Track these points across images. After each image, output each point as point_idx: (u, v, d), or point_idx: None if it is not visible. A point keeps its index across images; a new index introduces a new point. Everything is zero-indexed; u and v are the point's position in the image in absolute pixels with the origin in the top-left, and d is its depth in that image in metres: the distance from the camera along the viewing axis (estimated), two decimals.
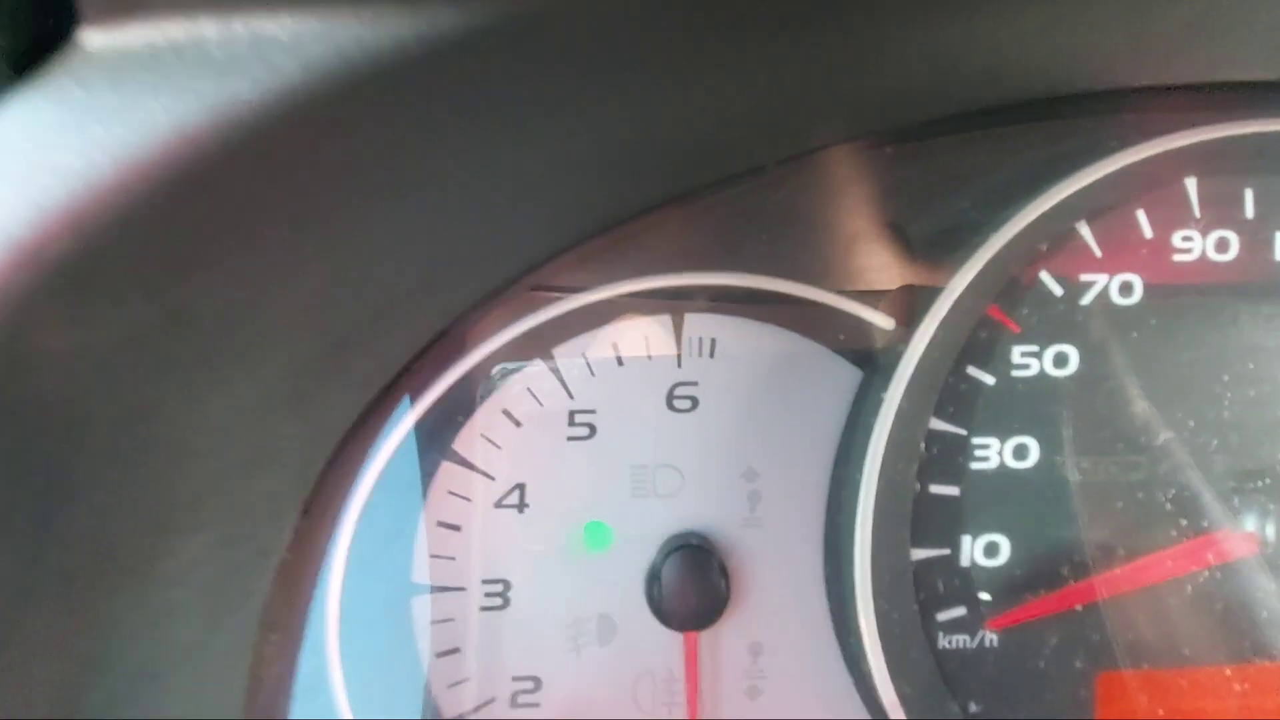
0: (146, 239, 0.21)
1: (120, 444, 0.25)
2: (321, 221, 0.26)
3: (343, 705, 0.42)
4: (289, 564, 0.36)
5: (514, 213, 0.37)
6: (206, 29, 0.20)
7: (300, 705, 0.39)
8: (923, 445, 0.47)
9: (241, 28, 0.21)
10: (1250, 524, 0.47)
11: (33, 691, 0.26)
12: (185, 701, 0.31)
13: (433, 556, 0.46)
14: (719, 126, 0.35)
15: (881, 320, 0.45)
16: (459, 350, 0.43)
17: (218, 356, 0.26)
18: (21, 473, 0.23)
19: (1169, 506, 0.47)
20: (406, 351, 0.36)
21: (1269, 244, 0.49)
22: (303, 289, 0.27)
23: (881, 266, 0.45)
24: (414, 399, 0.42)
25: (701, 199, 0.41)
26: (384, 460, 0.43)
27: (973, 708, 0.46)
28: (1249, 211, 0.49)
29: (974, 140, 0.44)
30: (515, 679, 0.47)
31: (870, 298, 0.45)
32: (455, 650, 0.46)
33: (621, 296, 0.46)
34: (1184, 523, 0.47)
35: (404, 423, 0.42)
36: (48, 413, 0.22)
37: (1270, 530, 0.47)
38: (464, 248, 0.34)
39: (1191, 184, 0.48)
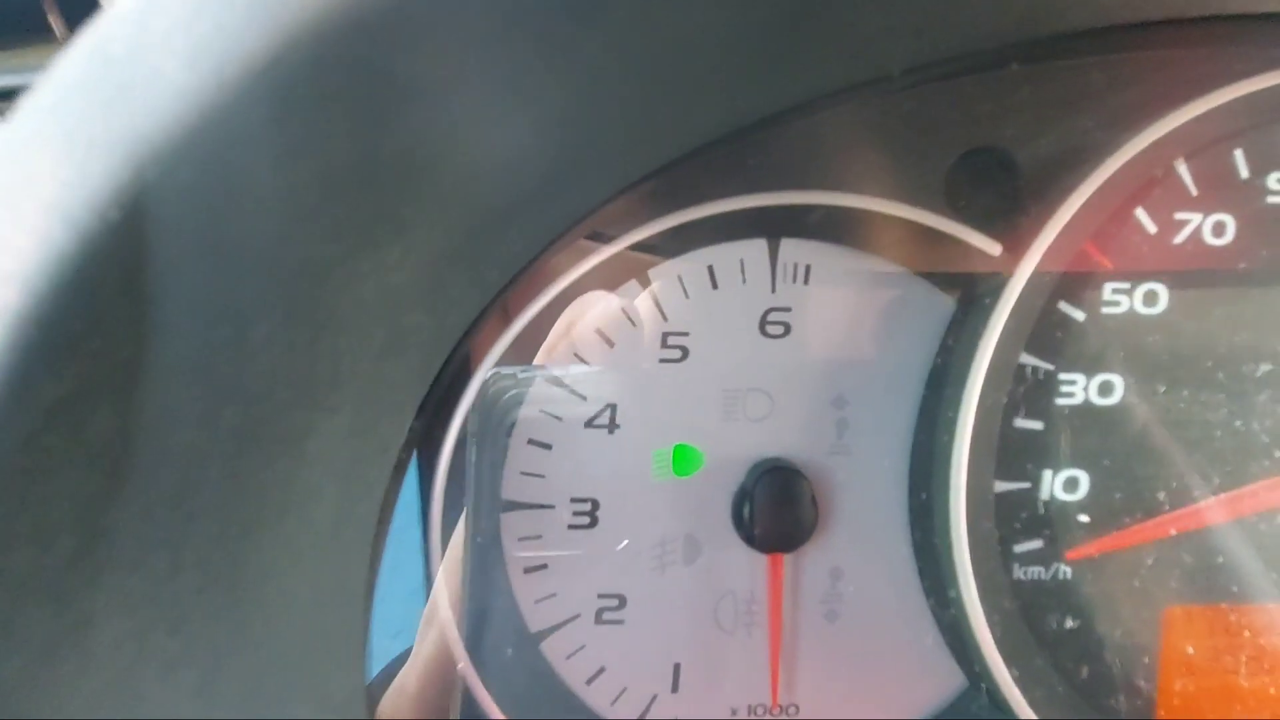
0: (373, 66, 0.21)
1: (295, 301, 0.24)
2: (491, 84, 0.25)
3: (445, 609, 0.43)
4: (403, 463, 0.36)
5: (630, 113, 0.36)
6: None
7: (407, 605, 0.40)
8: (1012, 379, 0.47)
9: None
10: None
11: (191, 553, 0.26)
12: (319, 586, 0.31)
13: (523, 474, 0.46)
14: (855, 24, 0.34)
15: (987, 245, 0.44)
16: (563, 264, 0.42)
17: (385, 220, 0.25)
18: (214, 319, 0.22)
19: (1251, 444, 0.48)
20: (526, 253, 0.36)
21: None
22: (461, 160, 0.27)
23: (989, 190, 0.45)
24: (522, 308, 0.42)
25: (812, 111, 0.41)
26: (486, 371, 0.43)
27: (1051, 628, 0.47)
28: None
29: (1092, 64, 0.43)
30: (601, 596, 0.47)
31: (975, 222, 0.45)
32: (543, 566, 0.47)
33: (717, 216, 0.46)
34: (1264, 457, 0.48)
35: (511, 331, 0.42)
36: (244, 258, 0.22)
37: None
38: (604, 138, 0.33)
39: None
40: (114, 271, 0.20)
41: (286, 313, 0.24)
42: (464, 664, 0.42)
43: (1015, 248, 0.44)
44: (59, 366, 0.22)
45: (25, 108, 0.22)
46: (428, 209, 0.27)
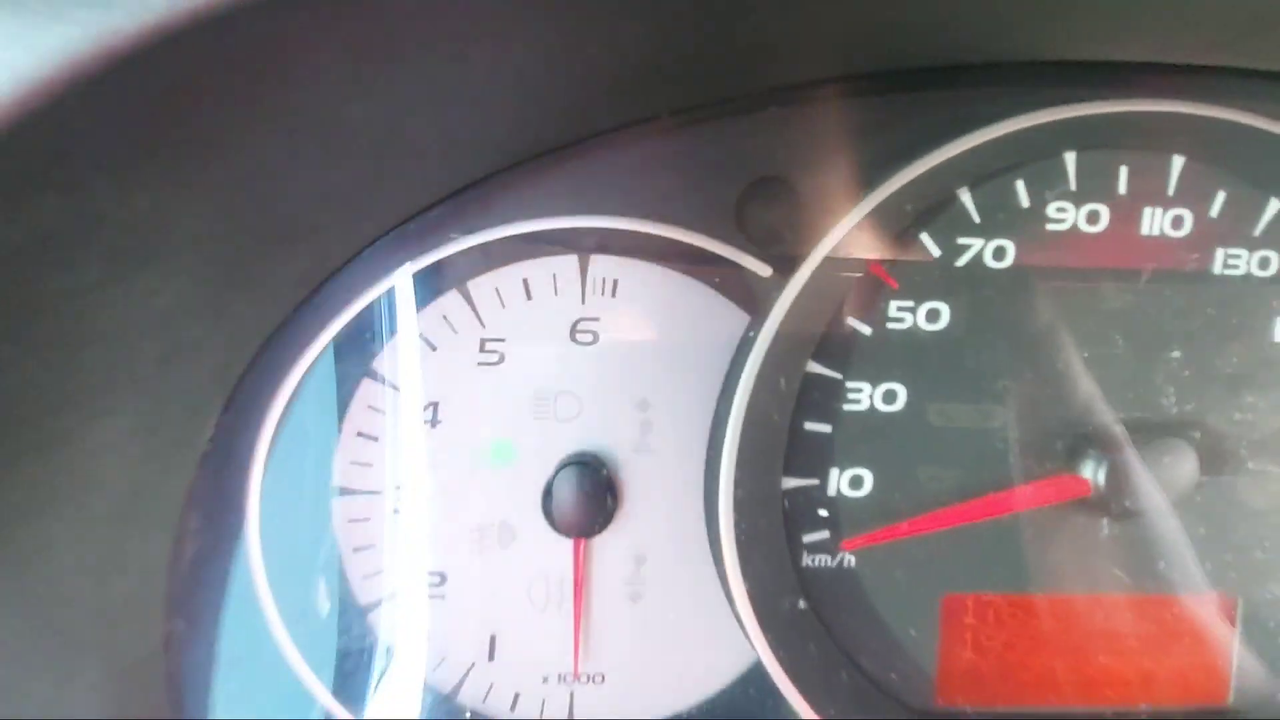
0: (53, 143, 0.25)
1: (29, 329, 0.29)
2: (217, 141, 0.29)
3: (262, 586, 0.48)
4: (210, 454, 0.40)
5: (422, 144, 0.40)
6: None
7: (228, 582, 0.45)
8: (797, 386, 0.52)
9: None
10: (1086, 470, 0.52)
11: None
12: (112, 558, 0.36)
13: (351, 463, 0.51)
14: (621, 71, 0.38)
15: (759, 268, 0.49)
16: (374, 275, 0.47)
17: (125, 258, 0.30)
18: None
19: (1015, 450, 0.53)
20: (318, 272, 0.41)
21: (1137, 218, 0.53)
22: (207, 203, 0.31)
23: (769, 217, 0.49)
24: (331, 317, 0.46)
25: (601, 143, 0.45)
26: (303, 371, 0.48)
27: (836, 612, 0.51)
28: (1122, 187, 0.53)
29: (861, 104, 0.48)
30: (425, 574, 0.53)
31: (756, 246, 0.49)
32: (370, 546, 0.52)
33: (527, 235, 0.50)
34: (1027, 465, 0.53)
35: (321, 339, 0.47)
36: None
37: (1101, 476, 0.52)
38: (370, 177, 0.38)
39: (1070, 157, 0.52)
40: None
41: (18, 337, 0.29)
42: (283, 638, 0.47)
43: (787, 269, 0.49)
44: None
45: None
46: (175, 247, 0.31)
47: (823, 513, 0.53)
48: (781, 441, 0.52)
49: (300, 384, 0.48)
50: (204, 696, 0.45)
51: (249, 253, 0.36)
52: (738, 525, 0.49)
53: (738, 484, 0.49)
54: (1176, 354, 0.51)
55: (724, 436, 0.50)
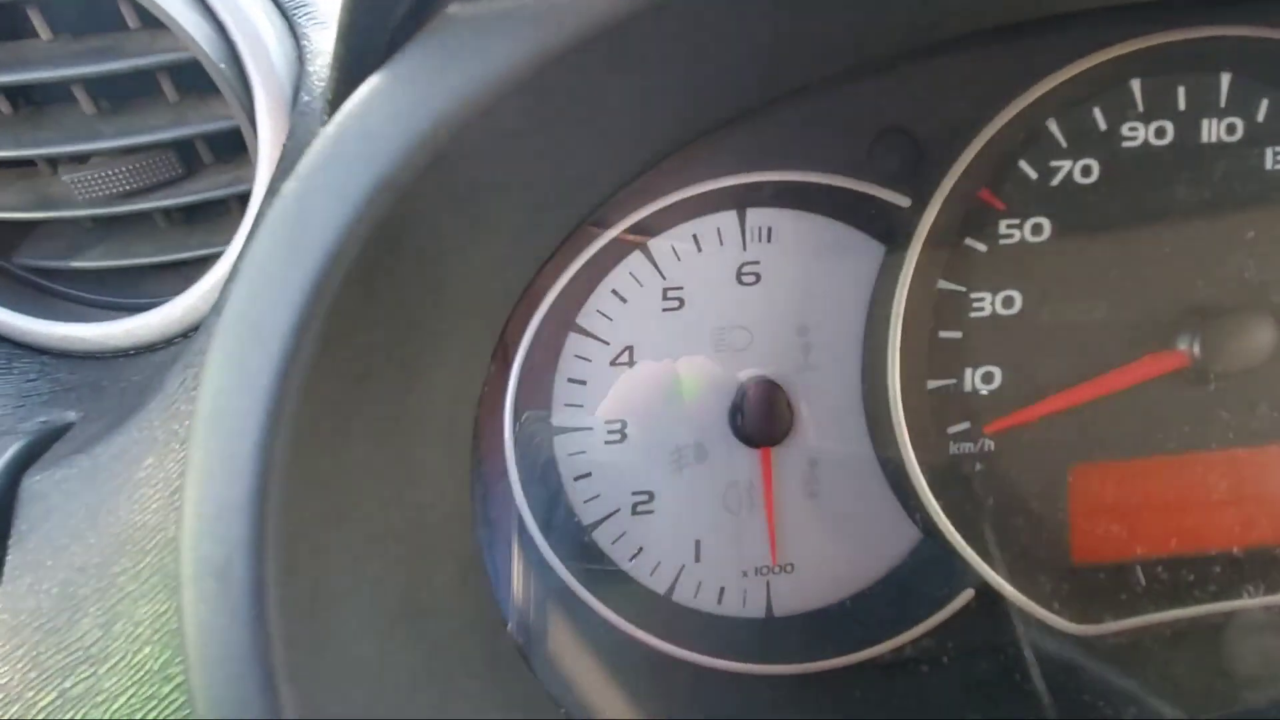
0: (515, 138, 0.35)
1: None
2: (557, 113, 0.39)
3: (521, 500, 0.58)
4: (485, 395, 0.50)
5: (644, 124, 0.50)
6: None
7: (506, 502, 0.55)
8: (932, 300, 0.61)
9: None
10: (1182, 344, 0.62)
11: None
12: (437, 473, 0.46)
13: (565, 405, 0.61)
14: (786, 49, 0.48)
15: (898, 199, 0.58)
16: (584, 241, 0.57)
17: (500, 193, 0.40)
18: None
19: (1119, 335, 0.62)
20: (567, 226, 0.50)
21: (1197, 128, 0.63)
22: (539, 151, 0.40)
23: (898, 159, 0.59)
24: (557, 277, 0.56)
25: (758, 112, 0.55)
26: (535, 327, 0.57)
27: (983, 487, 0.61)
28: (1181, 105, 0.62)
29: (965, 57, 0.57)
30: (634, 494, 0.62)
31: (890, 184, 0.59)
32: (588, 475, 0.61)
33: (698, 195, 0.59)
34: (1130, 346, 0.62)
35: (549, 297, 0.56)
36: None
37: (1196, 348, 0.61)
38: (609, 147, 0.47)
39: (1136, 84, 0.62)
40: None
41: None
42: (545, 550, 0.57)
43: (920, 199, 0.58)
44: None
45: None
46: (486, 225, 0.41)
47: (962, 406, 0.63)
48: (924, 348, 0.61)
49: (530, 342, 0.57)
50: (506, 591, 0.55)
51: (538, 202, 0.45)
52: (908, 421, 0.58)
53: (902, 386, 0.58)
54: (1251, 235, 0.61)
55: (884, 348, 0.59)
